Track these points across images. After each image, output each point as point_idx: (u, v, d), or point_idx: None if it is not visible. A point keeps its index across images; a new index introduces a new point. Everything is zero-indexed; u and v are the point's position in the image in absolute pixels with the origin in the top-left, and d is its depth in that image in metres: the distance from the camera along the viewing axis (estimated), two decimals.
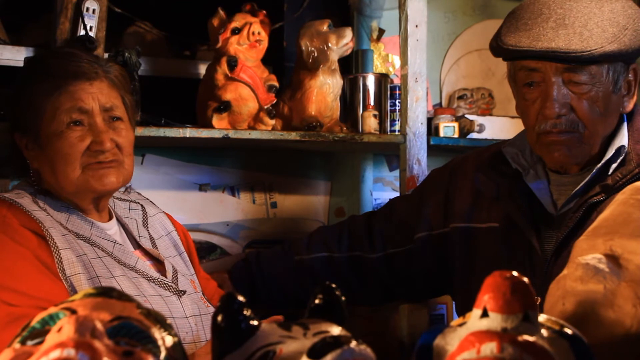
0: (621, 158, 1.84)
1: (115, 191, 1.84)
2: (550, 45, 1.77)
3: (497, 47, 1.87)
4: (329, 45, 2.41)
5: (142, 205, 1.97)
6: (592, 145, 1.85)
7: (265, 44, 2.37)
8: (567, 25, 1.77)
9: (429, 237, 2.10)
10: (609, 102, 1.83)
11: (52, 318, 0.92)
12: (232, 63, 2.31)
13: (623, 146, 1.85)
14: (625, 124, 1.89)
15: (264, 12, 2.38)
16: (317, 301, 1.02)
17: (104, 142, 1.73)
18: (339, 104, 2.52)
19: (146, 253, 1.86)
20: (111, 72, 1.80)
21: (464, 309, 2.05)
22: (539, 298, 0.95)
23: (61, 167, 1.72)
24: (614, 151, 1.85)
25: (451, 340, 0.94)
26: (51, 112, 1.72)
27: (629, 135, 1.87)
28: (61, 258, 1.65)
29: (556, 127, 1.82)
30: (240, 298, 0.95)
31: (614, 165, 1.85)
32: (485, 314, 0.92)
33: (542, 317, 0.98)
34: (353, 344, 0.87)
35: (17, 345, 0.90)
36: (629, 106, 1.88)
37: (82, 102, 1.73)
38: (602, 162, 1.85)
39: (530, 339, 0.89)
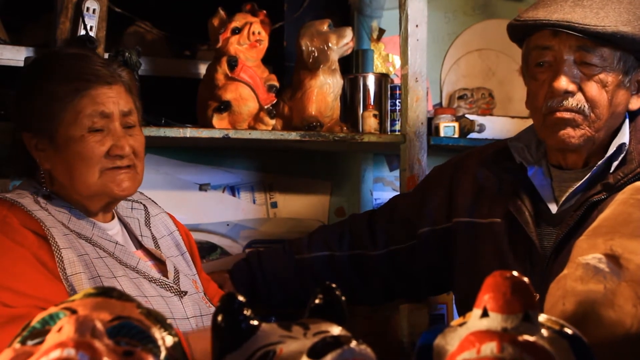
0: (622, 156, 1.86)
1: (129, 196, 1.84)
2: (567, 17, 1.81)
3: (514, 24, 1.92)
4: (329, 45, 2.41)
5: (144, 205, 1.97)
6: (597, 132, 1.86)
7: (265, 43, 2.37)
8: (585, 5, 1.83)
9: (433, 232, 2.11)
10: (617, 91, 1.85)
11: (52, 318, 0.92)
12: (233, 63, 2.31)
13: (624, 144, 1.87)
14: (627, 123, 1.91)
15: (264, 12, 2.38)
16: (317, 301, 1.02)
17: (124, 147, 1.73)
18: (339, 103, 2.52)
19: (148, 253, 1.86)
20: (124, 77, 1.80)
21: (464, 304, 2.06)
22: (537, 295, 0.95)
23: (79, 171, 1.72)
24: (615, 148, 1.87)
25: (451, 340, 0.94)
26: (72, 116, 1.72)
27: (630, 135, 1.89)
28: (62, 257, 1.65)
29: (562, 104, 1.84)
30: (241, 298, 0.96)
31: (615, 164, 1.86)
32: (485, 314, 0.92)
33: (542, 317, 0.98)
34: (353, 343, 0.87)
35: (17, 345, 0.90)
36: (637, 105, 1.90)
37: (104, 106, 1.73)
38: (604, 158, 1.86)
39: (531, 338, 0.89)
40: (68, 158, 1.73)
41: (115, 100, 1.74)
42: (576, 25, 1.80)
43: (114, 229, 1.83)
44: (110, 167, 1.73)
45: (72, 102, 1.72)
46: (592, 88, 1.84)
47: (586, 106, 1.84)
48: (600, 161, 1.87)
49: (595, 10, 1.81)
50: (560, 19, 1.81)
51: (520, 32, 1.92)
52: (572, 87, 1.83)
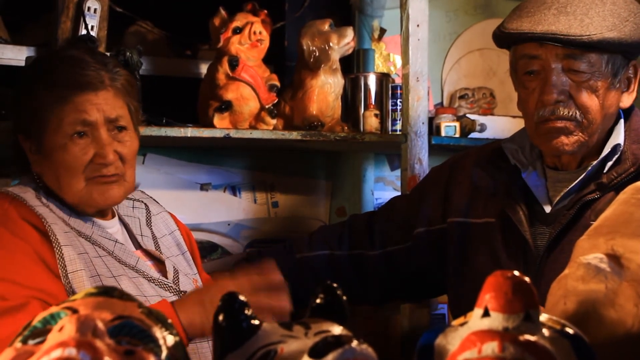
0: (617, 156, 1.86)
1: (117, 204, 1.83)
2: (551, 28, 1.79)
3: (499, 34, 1.90)
4: (331, 44, 2.42)
5: (145, 203, 1.97)
6: (590, 136, 1.86)
7: (266, 43, 2.37)
8: (568, 12, 1.81)
9: (427, 232, 2.11)
10: (607, 94, 1.84)
11: (54, 317, 0.92)
12: (234, 62, 2.32)
13: (619, 144, 1.87)
14: (622, 122, 1.91)
15: (265, 11, 2.38)
16: (318, 300, 1.02)
17: (107, 155, 1.71)
18: (340, 103, 2.52)
19: (147, 253, 1.86)
20: (118, 80, 1.77)
21: (457, 304, 2.06)
22: None
23: (65, 179, 1.72)
24: (610, 149, 1.87)
25: (452, 340, 0.94)
26: (55, 123, 1.71)
27: (625, 135, 1.89)
28: (62, 254, 1.64)
29: (554, 113, 1.83)
30: (242, 298, 0.96)
31: (609, 164, 1.86)
32: (486, 314, 0.92)
33: (543, 317, 0.98)
34: (354, 343, 0.87)
35: (18, 344, 0.91)
36: (628, 102, 1.90)
37: (87, 114, 1.71)
38: (599, 159, 1.86)
39: (532, 338, 0.89)
40: (54, 166, 1.72)
41: (100, 107, 1.72)
42: (561, 37, 1.78)
43: (113, 227, 1.83)
44: (96, 176, 1.72)
45: (55, 110, 1.71)
46: (583, 95, 1.83)
47: (578, 113, 1.83)
48: (595, 162, 1.87)
49: (579, 17, 1.79)
50: (545, 30, 1.80)
51: (505, 42, 1.91)
52: (562, 96, 1.82)
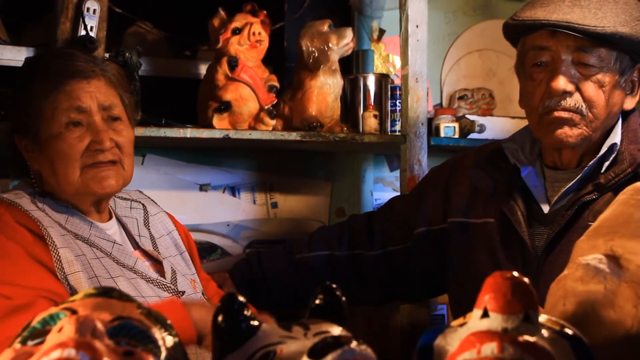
0: (613, 156, 1.87)
1: (115, 194, 1.83)
2: (566, 17, 1.82)
3: (511, 23, 1.92)
4: (330, 45, 2.41)
5: (143, 204, 1.97)
6: (594, 132, 1.87)
7: (265, 44, 2.37)
8: (582, 5, 1.83)
9: (428, 232, 2.11)
10: (613, 91, 1.86)
11: (53, 318, 0.92)
12: (233, 63, 2.32)
13: (615, 144, 1.88)
14: (619, 123, 1.92)
15: (265, 12, 2.38)
16: (317, 301, 1.02)
17: (103, 141, 1.72)
18: (339, 104, 2.52)
19: (145, 254, 1.86)
20: (108, 71, 1.79)
21: (457, 304, 2.07)
22: None
23: (61, 169, 1.72)
24: (607, 148, 1.88)
25: (452, 341, 0.94)
26: (49, 113, 1.72)
27: (622, 135, 1.90)
28: (59, 257, 1.64)
29: (560, 104, 1.84)
30: (241, 298, 0.96)
31: (606, 164, 1.87)
32: (485, 314, 0.92)
33: (542, 318, 0.98)
34: (354, 344, 0.87)
35: (17, 345, 0.90)
36: (631, 104, 1.92)
37: (80, 101, 1.72)
38: (596, 158, 1.87)
39: (531, 339, 0.89)
40: (50, 157, 1.72)
41: (93, 94, 1.73)
42: (576, 25, 1.81)
43: (111, 228, 1.83)
44: (91, 164, 1.72)
45: (49, 99, 1.72)
46: (590, 88, 1.84)
47: (584, 106, 1.85)
48: (592, 161, 1.88)
49: (593, 10, 1.82)
50: (559, 19, 1.82)
51: (517, 31, 1.92)
52: (570, 87, 1.84)
